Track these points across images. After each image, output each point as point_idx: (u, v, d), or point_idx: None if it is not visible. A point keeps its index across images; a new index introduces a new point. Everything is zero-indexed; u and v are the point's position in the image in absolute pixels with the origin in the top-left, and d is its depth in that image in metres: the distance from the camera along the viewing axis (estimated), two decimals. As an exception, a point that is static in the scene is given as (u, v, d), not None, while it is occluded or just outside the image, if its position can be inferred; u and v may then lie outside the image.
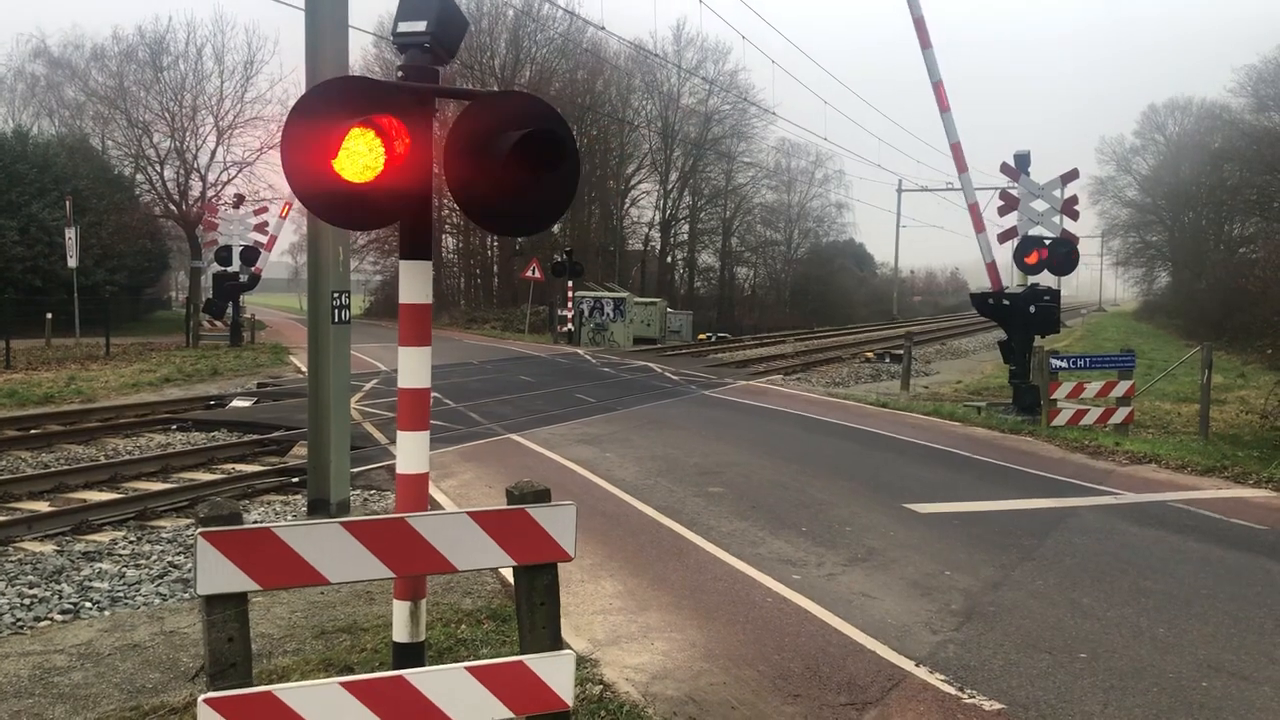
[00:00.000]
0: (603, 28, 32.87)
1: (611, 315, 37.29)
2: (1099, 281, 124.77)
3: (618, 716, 5.12)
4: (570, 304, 37.55)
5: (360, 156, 3.62)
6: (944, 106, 18.30)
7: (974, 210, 18.43)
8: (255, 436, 14.23)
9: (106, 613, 7.07)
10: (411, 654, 4.21)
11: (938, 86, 18.03)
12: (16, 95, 52.33)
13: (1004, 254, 18.98)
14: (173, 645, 6.23)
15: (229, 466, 12.51)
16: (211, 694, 3.42)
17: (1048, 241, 17.41)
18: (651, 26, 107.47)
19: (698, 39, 59.83)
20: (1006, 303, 17.58)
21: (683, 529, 9.09)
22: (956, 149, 18.32)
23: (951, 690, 5.60)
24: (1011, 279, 19.19)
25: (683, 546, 8.54)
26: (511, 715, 3.98)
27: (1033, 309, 17.24)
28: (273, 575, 3.56)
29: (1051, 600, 7.23)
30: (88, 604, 7.24)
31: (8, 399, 17.62)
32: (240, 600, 3.52)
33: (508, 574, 6.84)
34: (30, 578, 7.81)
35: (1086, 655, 6.17)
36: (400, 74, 4.02)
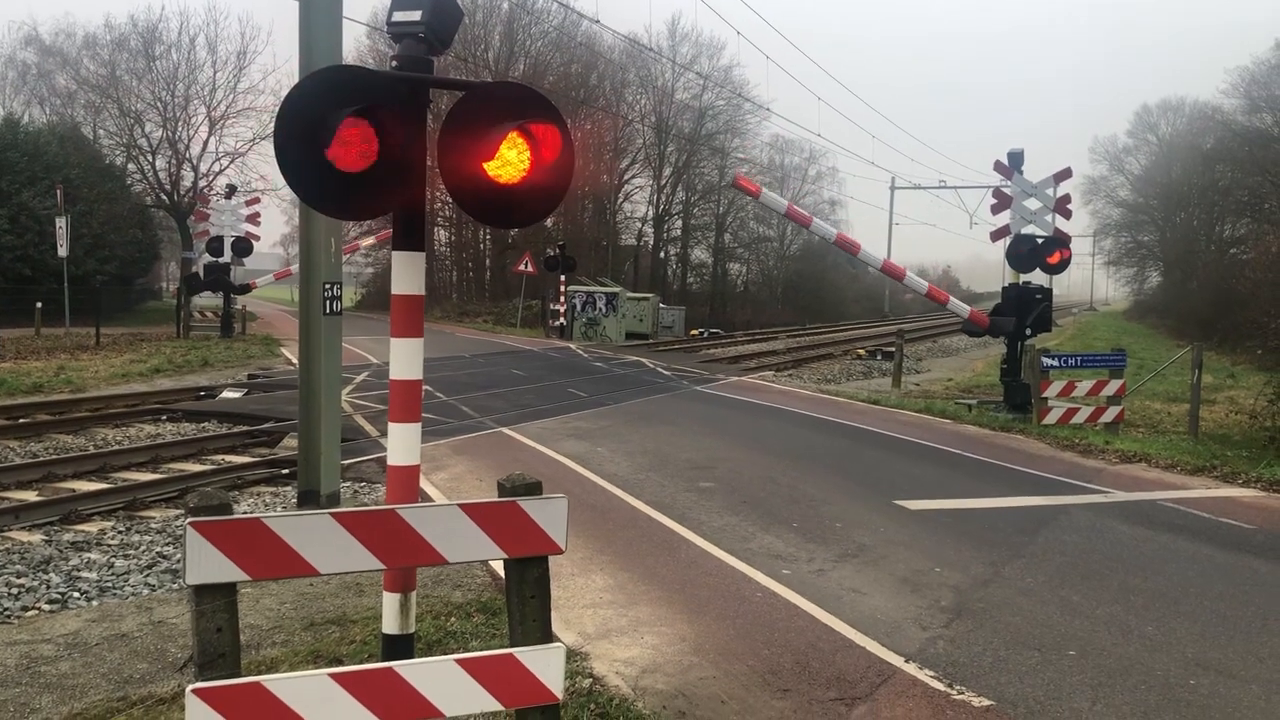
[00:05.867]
0: (597, 21, 32.77)
1: (604, 310, 37.24)
2: (1090, 281, 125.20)
3: (607, 710, 5.11)
4: (563, 298, 37.50)
5: (355, 146, 3.60)
6: (854, 249, 20.08)
7: (934, 292, 20.09)
8: (245, 428, 14.18)
9: (94, 603, 7.04)
10: (401, 646, 4.20)
11: (839, 237, 19.86)
12: (7, 83, 52.18)
13: (997, 251, 19.34)
14: (161, 636, 6.21)
15: (219, 457, 12.46)
16: (200, 684, 3.40)
17: (1040, 240, 17.46)
18: (646, 21, 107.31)
19: (692, 34, 59.79)
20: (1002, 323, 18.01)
21: (673, 524, 9.09)
22: (890, 266, 20.23)
23: (940, 686, 5.60)
24: (1003, 277, 19.23)
25: (673, 541, 8.54)
26: (501, 708, 3.97)
27: (1028, 331, 17.53)
28: (262, 566, 3.54)
29: (1041, 598, 7.25)
30: (76, 594, 7.21)
31: (-4, 388, 17.52)
32: (229, 591, 3.51)
33: (498, 567, 6.84)
34: (18, 567, 7.77)
35: (1075, 653, 6.18)
36: (394, 64, 4.00)
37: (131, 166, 46.48)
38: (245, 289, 34.65)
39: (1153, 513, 10.14)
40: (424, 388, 4.29)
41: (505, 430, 14.22)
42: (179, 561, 7.96)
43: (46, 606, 6.95)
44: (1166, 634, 6.57)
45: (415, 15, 3.97)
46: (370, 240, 45.02)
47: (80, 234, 34.43)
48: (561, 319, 37.48)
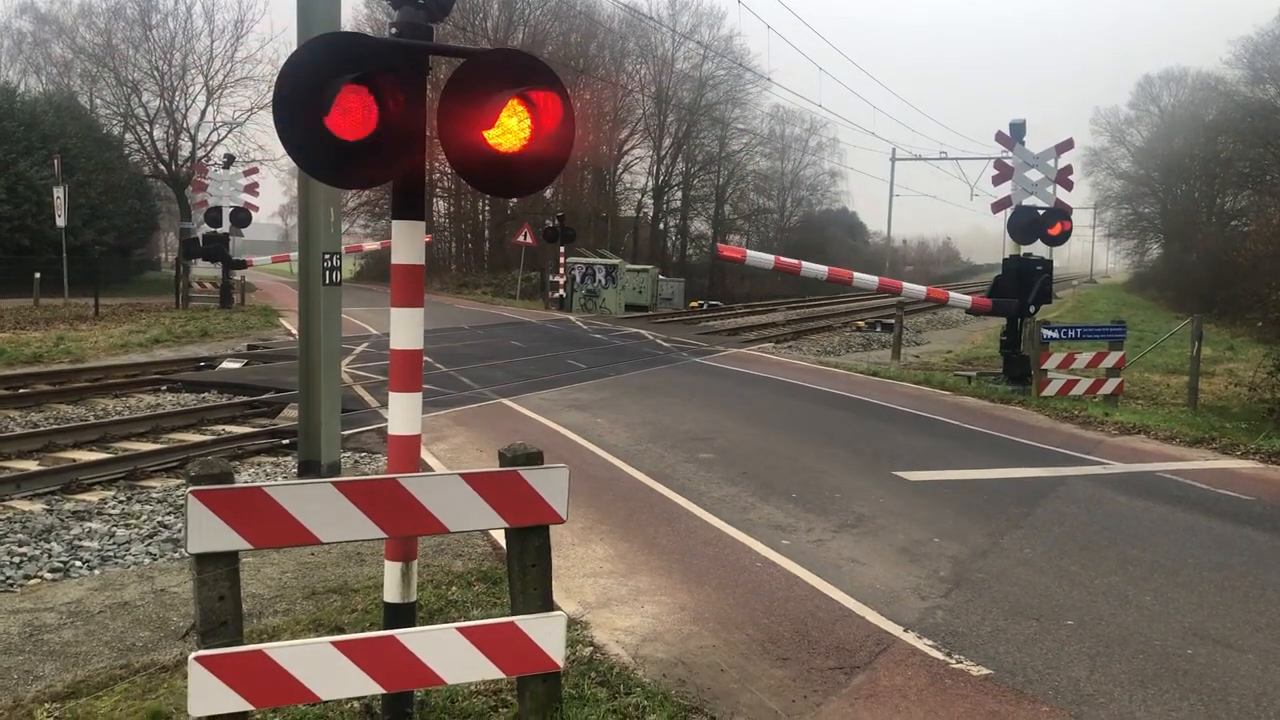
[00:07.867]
0: (597, -10, 32.43)
1: (603, 282, 37.17)
2: (1090, 253, 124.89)
3: (608, 678, 5.14)
4: (562, 270, 37.41)
5: (354, 114, 3.57)
6: (847, 280, 19.60)
7: (932, 294, 19.86)
8: (245, 398, 14.19)
9: (96, 571, 7.06)
10: (402, 614, 4.22)
11: (831, 272, 20.11)
12: (3, 51, 51.85)
13: (997, 223, 19.31)
14: (162, 604, 6.24)
15: (219, 427, 12.48)
16: (202, 652, 3.42)
17: (1041, 212, 17.40)
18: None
19: (693, 3, 59.44)
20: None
21: (673, 494, 9.11)
22: (886, 283, 20.28)
23: (939, 655, 5.64)
24: (1004, 249, 19.23)
25: (673, 511, 8.56)
26: (502, 675, 3.99)
27: (1032, 308, 17.54)
28: (264, 534, 3.55)
29: (1039, 568, 7.28)
30: (78, 563, 7.23)
31: (-4, 358, 17.52)
32: (231, 559, 3.52)
33: (499, 537, 6.87)
34: (20, 536, 7.79)
35: (1073, 622, 6.22)
36: (393, 31, 3.96)
37: (129, 136, 46.27)
38: (242, 264, 34.60)
39: (1152, 484, 10.17)
40: (424, 358, 4.28)
41: (505, 401, 14.23)
42: (180, 531, 7.99)
43: (49, 575, 6.98)
44: (1164, 604, 6.60)
45: (414, -19, 3.93)
46: (375, 245, 44.84)
47: (78, 204, 34.29)
48: (561, 291, 37.40)
